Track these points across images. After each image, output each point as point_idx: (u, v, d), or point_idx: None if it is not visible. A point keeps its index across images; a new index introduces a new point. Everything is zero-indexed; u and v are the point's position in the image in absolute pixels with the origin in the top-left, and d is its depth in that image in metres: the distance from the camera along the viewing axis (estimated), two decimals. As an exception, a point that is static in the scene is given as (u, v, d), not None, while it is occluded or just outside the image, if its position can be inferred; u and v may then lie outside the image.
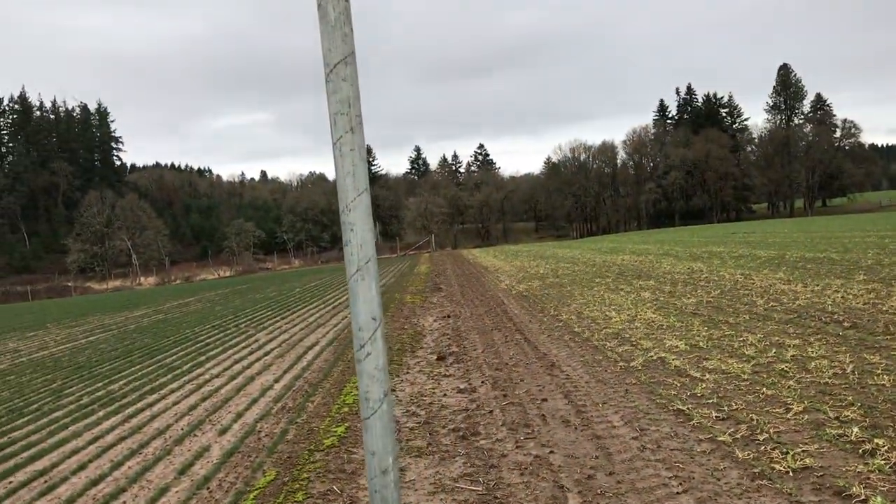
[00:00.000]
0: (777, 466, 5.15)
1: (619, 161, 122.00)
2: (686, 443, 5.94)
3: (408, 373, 10.25)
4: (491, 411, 7.65)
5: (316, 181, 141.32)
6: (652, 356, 9.30)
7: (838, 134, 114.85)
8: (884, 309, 10.80)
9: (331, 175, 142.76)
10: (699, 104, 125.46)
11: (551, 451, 6.12)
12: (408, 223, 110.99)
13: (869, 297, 12.00)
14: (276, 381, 10.88)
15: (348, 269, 1.79)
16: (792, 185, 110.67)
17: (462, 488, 5.54)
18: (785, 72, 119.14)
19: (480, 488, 5.46)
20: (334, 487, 5.91)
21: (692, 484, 5.06)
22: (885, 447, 5.20)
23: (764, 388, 7.19)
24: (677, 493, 4.94)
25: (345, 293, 27.66)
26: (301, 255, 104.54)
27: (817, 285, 14.26)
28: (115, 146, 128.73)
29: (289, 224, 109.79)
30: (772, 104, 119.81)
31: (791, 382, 7.30)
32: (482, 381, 9.09)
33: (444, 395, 8.65)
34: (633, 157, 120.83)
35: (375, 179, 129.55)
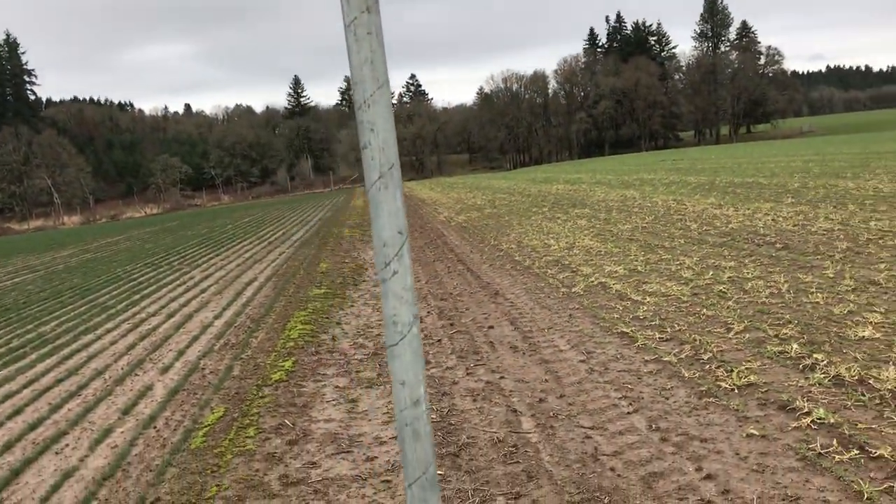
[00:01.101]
0: (722, 384, 5.30)
1: (550, 91, 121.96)
2: (633, 364, 6.06)
3: (352, 306, 10.18)
4: (439, 340, 7.67)
5: (243, 114, 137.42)
6: (593, 281, 9.43)
7: (762, 61, 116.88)
8: (812, 230, 11.15)
9: (258, 107, 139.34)
10: (628, 32, 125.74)
11: (502, 377, 6.18)
12: (340, 156, 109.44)
13: (798, 220, 12.37)
14: (216, 317, 10.68)
15: (369, 177, 1.60)
16: (718, 113, 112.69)
17: (415, 417, 5.56)
18: (712, 0, 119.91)
19: (434, 416, 5.49)
20: (286, 421, 5.86)
21: (642, 404, 5.18)
22: (824, 362, 5.40)
23: (704, 309, 7.37)
24: (628, 412, 5.05)
25: (280, 228, 27.25)
26: (230, 190, 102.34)
27: (748, 209, 14.62)
28: (28, 80, 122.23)
29: (216, 159, 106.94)
30: (699, 32, 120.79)
31: (730, 303, 7.50)
32: (428, 312, 9.10)
33: (390, 326, 8.62)
34: (564, 87, 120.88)
35: (305, 111, 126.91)
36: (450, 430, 5.16)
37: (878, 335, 5.86)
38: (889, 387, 4.77)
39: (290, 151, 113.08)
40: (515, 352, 6.87)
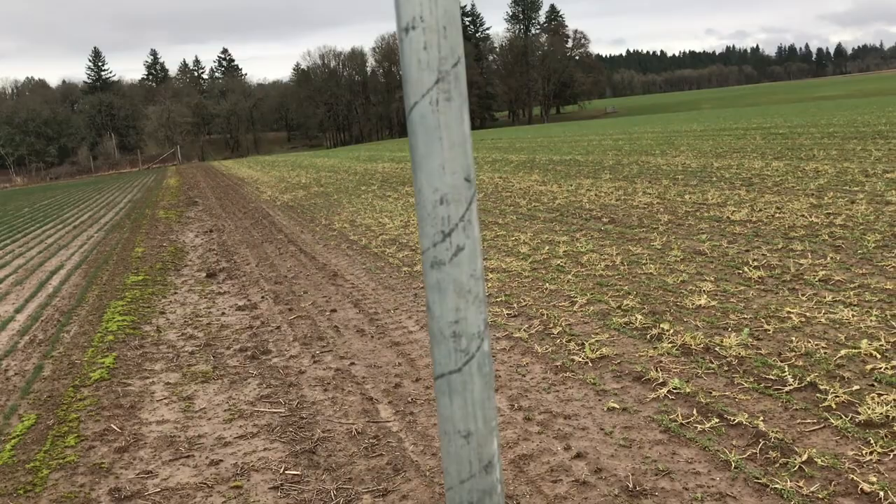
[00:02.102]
0: (576, 358, 5.30)
1: (369, 69, 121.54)
2: (485, 342, 5.95)
3: (176, 293, 9.44)
4: (278, 327, 7.22)
5: (35, 88, 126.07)
6: (433, 260, 9.29)
7: (570, 44, 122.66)
8: (634, 204, 11.65)
9: (53, 81, 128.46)
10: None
11: (352, 363, 5.87)
12: (148, 134, 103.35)
13: (619, 195, 12.90)
14: (18, 311, 9.55)
15: (415, 83, 1.05)
16: (530, 94, 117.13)
17: (262, 412, 5.14)
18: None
19: (283, 409, 5.10)
20: (112, 425, 5.24)
21: (501, 382, 5.06)
22: (669, 331, 5.54)
23: (546, 284, 7.43)
24: (488, 393, 4.92)
25: (86, 211, 25.15)
26: (24, 171, 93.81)
27: (571, 185, 15.11)
28: None
29: (6, 137, 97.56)
30: (511, 14, 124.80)
31: (570, 276, 7.60)
32: (262, 297, 8.59)
33: (223, 313, 8.05)
34: (382, 65, 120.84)
35: (107, 86, 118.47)
36: (302, 426, 4.79)
37: (713, 303, 6.11)
38: (734, 353, 4.94)
39: (92, 129, 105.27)
40: (363, 335, 6.58)
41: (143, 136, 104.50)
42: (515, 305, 6.83)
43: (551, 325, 6.13)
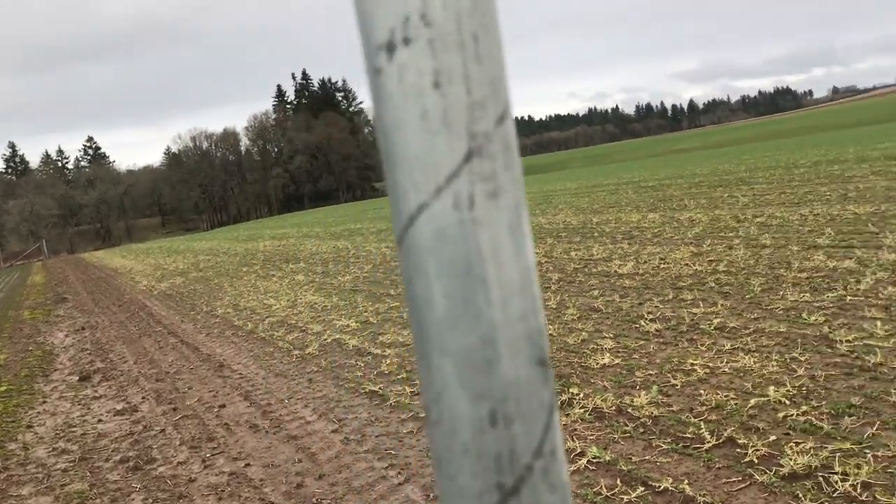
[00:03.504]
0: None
1: (243, 148, 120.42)
2: (390, 426, 5.62)
3: (45, 402, 8.61)
4: (163, 430, 6.62)
5: None
6: (326, 339, 8.90)
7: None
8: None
9: None
10: (316, 89, 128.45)
11: (247, 464, 5.39)
12: (10, 230, 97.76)
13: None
14: None
15: (413, 187, 0.56)
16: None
17: (149, 532, 4.60)
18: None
19: (172, 527, 4.58)
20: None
21: (412, 471, 4.73)
22: (579, 395, 5.38)
23: (447, 356, 7.18)
24: (399, 483, 4.58)
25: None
26: None
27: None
28: None
29: None
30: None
31: (469, 346, 7.39)
32: (143, 398, 7.92)
33: (99, 420, 7.35)
34: (256, 144, 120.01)
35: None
36: (196, 542, 4.30)
37: (617, 361, 6.02)
38: (647, 413, 4.82)
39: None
40: (257, 431, 6.10)
41: (4, 232, 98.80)
42: (418, 382, 6.53)
43: (457, 400, 5.86)
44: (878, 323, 5.65)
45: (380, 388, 6.55)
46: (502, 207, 0.54)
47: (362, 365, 7.47)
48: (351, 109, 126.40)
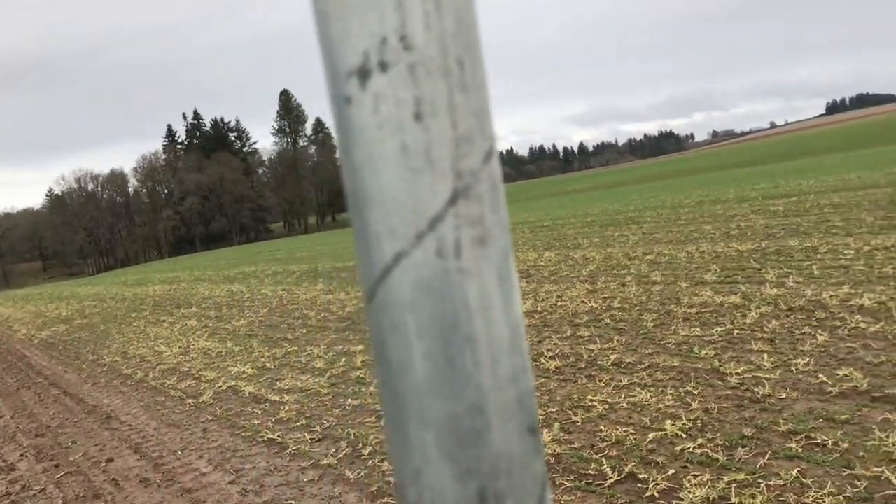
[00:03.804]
0: (392, 479, 4.95)
1: (131, 189, 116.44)
2: (290, 475, 5.44)
3: None
4: (43, 489, 6.19)
5: None
6: (221, 386, 8.59)
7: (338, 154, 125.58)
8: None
9: None
10: (208, 129, 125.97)
11: (137, 522, 5.10)
12: None
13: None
14: None
15: (389, 233, 0.50)
16: (304, 203, 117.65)
17: None
18: (286, 97, 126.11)
19: None
20: None
21: (313, 520, 4.58)
22: (482, 435, 5.37)
23: (349, 399, 7.05)
24: (301, 534, 4.42)
25: None
26: None
27: (358, 291, 14.93)
28: None
29: None
30: (277, 127, 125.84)
31: (372, 388, 7.29)
32: (21, 455, 7.40)
33: (-29, 482, 6.81)
34: (146, 185, 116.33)
35: None
36: None
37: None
38: (550, 451, 4.85)
39: None
40: (148, 486, 5.78)
41: None
42: (318, 428, 6.37)
43: (360, 445, 5.74)
44: (765, 356, 5.91)
45: (279, 436, 6.35)
46: (490, 255, 0.47)
47: (259, 412, 7.24)
48: (245, 150, 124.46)
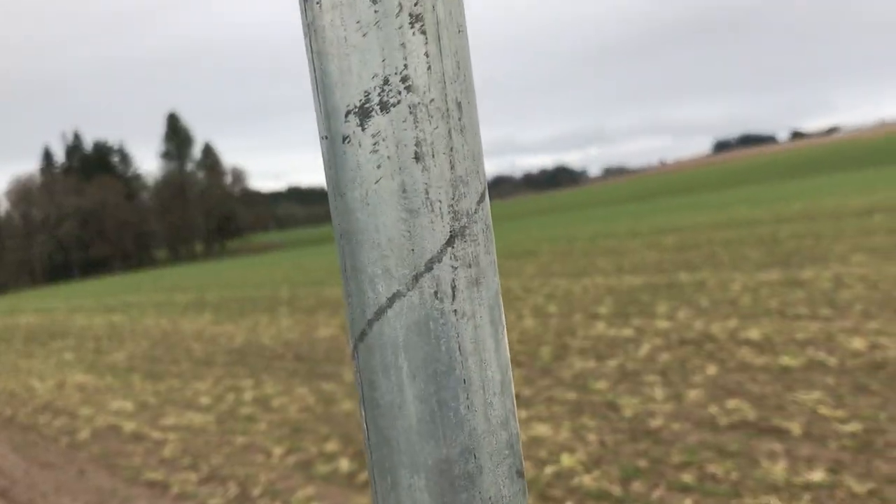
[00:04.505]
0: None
1: (2, 212, 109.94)
2: (174, 519, 5.13)
3: None
4: None
5: None
6: (99, 424, 8.09)
7: (230, 180, 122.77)
8: (318, 337, 11.40)
9: None
10: (88, 151, 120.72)
11: (1, 576, 4.67)
12: None
13: (301, 329, 12.59)
14: None
15: (384, 277, 0.48)
16: (191, 230, 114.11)
17: None
18: (173, 120, 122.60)
19: None
20: None
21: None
22: (380, 473, 5.22)
23: (237, 437, 6.75)
24: (186, 584, 4.15)
25: None
26: None
27: (248, 323, 14.50)
28: None
29: None
30: (164, 151, 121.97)
31: (262, 425, 7.01)
32: None
33: None
34: (19, 208, 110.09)
35: None
36: None
37: (417, 435, 5.95)
38: (449, 488, 4.76)
39: None
40: (14, 535, 5.33)
41: None
42: (205, 468, 6.06)
43: (250, 484, 5.49)
44: (657, 388, 6.03)
45: (163, 477, 6.00)
46: (484, 297, 0.47)
47: (142, 451, 6.83)
48: (128, 174, 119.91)
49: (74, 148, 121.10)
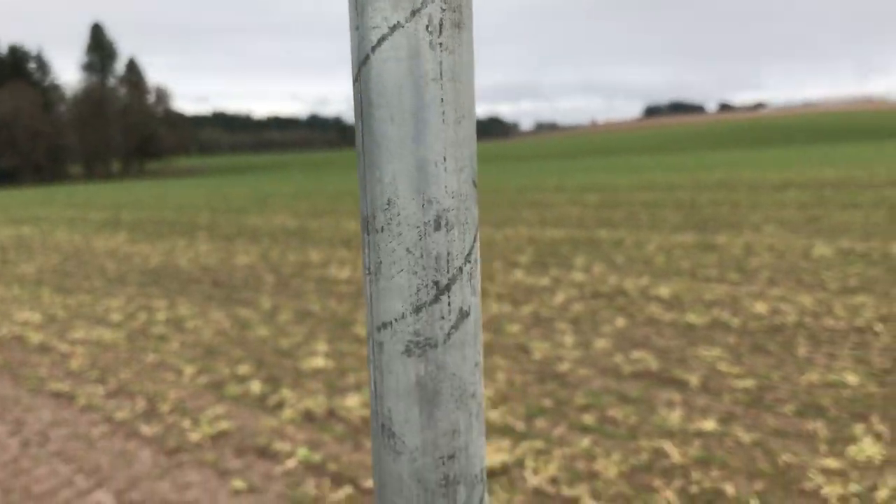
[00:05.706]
0: (192, 437, 4.76)
1: None
2: (79, 428, 5.09)
3: None
4: None
5: None
6: (5, 333, 7.88)
7: (153, 100, 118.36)
8: (237, 265, 11.29)
9: None
10: (3, 54, 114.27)
11: None
12: None
13: (220, 255, 12.43)
14: None
15: (378, 13, 0.65)
16: (110, 148, 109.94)
17: None
18: (98, 31, 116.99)
19: None
20: None
21: (102, 475, 4.31)
22: (291, 398, 5.29)
23: (148, 354, 6.70)
24: (88, 488, 4.15)
25: None
26: None
27: (165, 246, 14.22)
28: None
29: None
30: (86, 63, 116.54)
31: (174, 345, 6.97)
32: None
33: None
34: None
35: None
36: None
37: (330, 364, 6.02)
38: (357, 415, 4.86)
39: None
40: None
41: None
42: (113, 382, 6.00)
43: (159, 401, 5.47)
44: (567, 335, 6.25)
45: (69, 388, 5.92)
46: (464, 40, 0.59)
47: (48, 363, 6.71)
48: (45, 83, 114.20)
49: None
